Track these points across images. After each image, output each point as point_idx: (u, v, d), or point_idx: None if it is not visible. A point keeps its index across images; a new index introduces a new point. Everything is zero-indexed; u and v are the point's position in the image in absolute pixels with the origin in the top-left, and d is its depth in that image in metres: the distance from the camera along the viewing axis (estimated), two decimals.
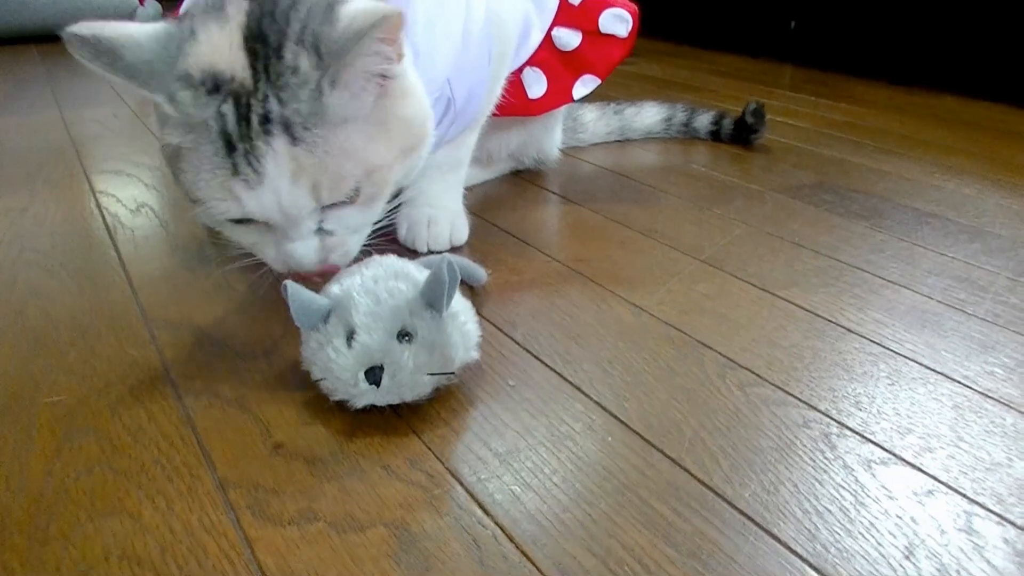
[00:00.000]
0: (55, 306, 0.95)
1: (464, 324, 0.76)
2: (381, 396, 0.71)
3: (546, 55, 1.22)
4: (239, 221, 0.76)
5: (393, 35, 0.71)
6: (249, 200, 0.72)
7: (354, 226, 0.80)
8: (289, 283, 0.72)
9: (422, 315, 0.72)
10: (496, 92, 1.12)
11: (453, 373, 0.74)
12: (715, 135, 1.58)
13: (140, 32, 0.72)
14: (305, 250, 0.77)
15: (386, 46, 0.72)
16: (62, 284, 1.00)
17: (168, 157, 0.77)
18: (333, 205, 0.76)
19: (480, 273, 0.95)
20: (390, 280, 0.74)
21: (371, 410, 0.73)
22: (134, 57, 0.70)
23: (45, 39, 2.94)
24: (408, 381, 0.70)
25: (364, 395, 0.71)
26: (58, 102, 2.03)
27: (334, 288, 0.75)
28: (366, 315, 0.71)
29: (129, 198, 1.31)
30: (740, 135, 1.56)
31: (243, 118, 0.70)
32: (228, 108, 0.70)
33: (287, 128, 0.70)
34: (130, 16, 3.07)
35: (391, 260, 0.78)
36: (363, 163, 0.74)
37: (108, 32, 0.70)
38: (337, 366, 0.71)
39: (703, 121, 1.58)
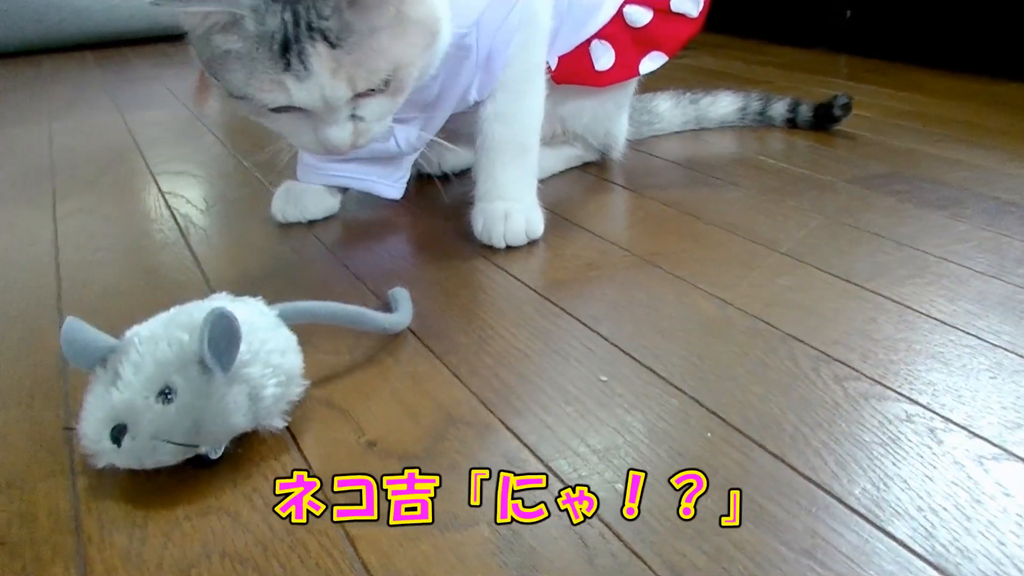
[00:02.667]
0: (133, 305, 0.95)
1: (260, 387, 0.66)
2: (121, 458, 0.63)
3: (615, 30, 1.22)
4: (279, 111, 0.86)
5: None
6: (297, 91, 0.82)
7: (381, 113, 0.90)
8: (69, 319, 0.68)
9: (189, 372, 0.64)
10: (540, 58, 1.10)
11: (196, 446, 0.64)
12: (791, 122, 1.56)
13: None
14: (340, 133, 0.87)
15: None
16: (138, 283, 1.01)
17: (213, 60, 0.85)
18: (365, 95, 0.86)
19: (385, 321, 0.85)
20: (179, 329, 0.67)
21: (462, 406, 0.72)
22: None
23: (100, 46, 2.97)
24: (144, 447, 0.62)
25: (105, 454, 0.63)
26: (117, 106, 2.05)
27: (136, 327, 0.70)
28: (132, 365, 0.65)
29: (198, 198, 1.31)
30: (820, 122, 1.53)
31: (298, 24, 0.80)
32: (288, 16, 0.80)
33: (324, 36, 0.81)
34: None
35: (214, 302, 0.72)
36: (391, 60, 0.85)
37: None
38: (85, 417, 0.65)
39: (779, 109, 1.56)
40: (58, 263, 1.08)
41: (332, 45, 0.81)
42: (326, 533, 0.59)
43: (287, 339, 0.72)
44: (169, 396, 0.63)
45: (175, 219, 1.22)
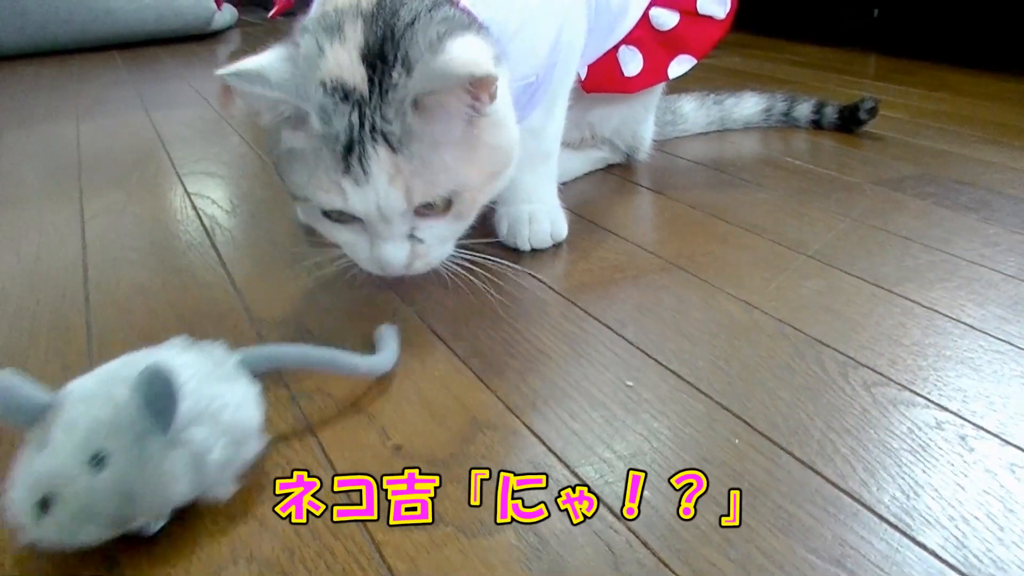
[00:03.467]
0: (161, 304, 0.96)
1: (205, 451, 0.60)
2: (45, 532, 0.56)
3: (642, 34, 1.21)
4: (339, 220, 0.83)
5: (480, 90, 0.77)
6: (353, 195, 0.78)
7: (442, 237, 0.85)
8: (2, 374, 0.59)
9: (124, 436, 0.57)
10: (572, 74, 1.10)
11: (130, 520, 0.58)
12: (816, 123, 1.55)
13: (272, 57, 0.79)
14: (395, 251, 0.82)
15: (472, 96, 0.78)
16: (166, 283, 1.01)
17: (280, 159, 0.84)
18: (426, 216, 0.82)
19: (364, 365, 0.78)
20: (118, 385, 0.60)
21: (488, 410, 0.72)
22: (279, 76, 0.77)
23: (127, 46, 3.00)
24: (71, 521, 0.56)
25: (31, 527, 0.56)
26: (144, 105, 2.06)
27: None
28: (64, 426, 0.58)
29: (223, 199, 1.32)
30: (845, 124, 1.52)
31: (362, 127, 0.77)
32: (355, 118, 0.77)
33: (387, 139, 0.77)
34: (208, 21, 3.12)
35: (165, 350, 0.66)
36: (453, 180, 0.80)
37: (251, 65, 0.78)
38: (11, 484, 0.57)
39: (803, 110, 1.55)
40: (86, 262, 1.09)
41: (393, 150, 0.77)
42: (352, 538, 0.59)
43: (244, 392, 0.65)
44: (101, 463, 0.56)
45: (201, 220, 1.22)
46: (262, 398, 0.67)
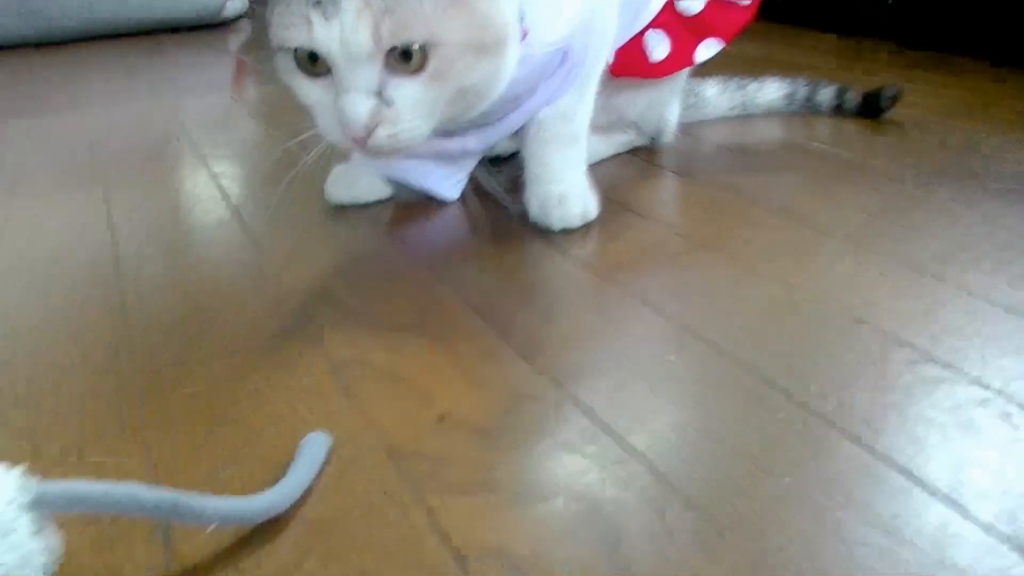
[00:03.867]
0: (193, 285, 0.96)
1: None
2: None
3: (669, 18, 1.20)
4: (310, 75, 0.82)
5: None
6: (319, 28, 0.77)
7: (413, 102, 0.81)
8: None
9: None
10: (604, 55, 1.10)
11: None
12: (838, 109, 1.55)
13: None
14: (356, 104, 0.79)
15: None
16: (197, 264, 1.01)
17: (269, 4, 0.82)
18: (398, 73, 0.79)
19: (229, 510, 0.56)
20: None
21: (532, 382, 0.72)
22: None
23: (141, 35, 2.99)
24: None
25: None
26: (159, 93, 2.06)
27: None
28: None
29: (248, 179, 1.32)
30: (867, 110, 1.52)
31: None
32: None
33: None
34: (219, 10, 3.12)
35: None
36: (427, 27, 0.78)
37: None
38: None
39: (826, 96, 1.54)
40: (114, 246, 1.08)
41: None
42: (403, 503, 0.59)
43: (18, 553, 0.48)
44: None
45: (227, 201, 1.22)
46: (54, 549, 0.51)
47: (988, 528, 0.56)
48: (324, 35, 0.77)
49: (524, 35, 0.89)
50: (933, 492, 0.59)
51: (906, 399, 0.70)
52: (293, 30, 0.79)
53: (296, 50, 0.81)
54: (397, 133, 0.82)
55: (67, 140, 1.66)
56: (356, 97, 0.79)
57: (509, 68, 0.87)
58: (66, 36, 2.92)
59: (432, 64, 0.79)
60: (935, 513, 0.57)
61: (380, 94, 0.80)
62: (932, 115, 1.58)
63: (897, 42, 2.39)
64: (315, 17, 0.77)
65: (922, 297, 0.87)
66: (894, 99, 1.49)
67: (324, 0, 0.76)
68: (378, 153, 0.84)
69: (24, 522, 0.49)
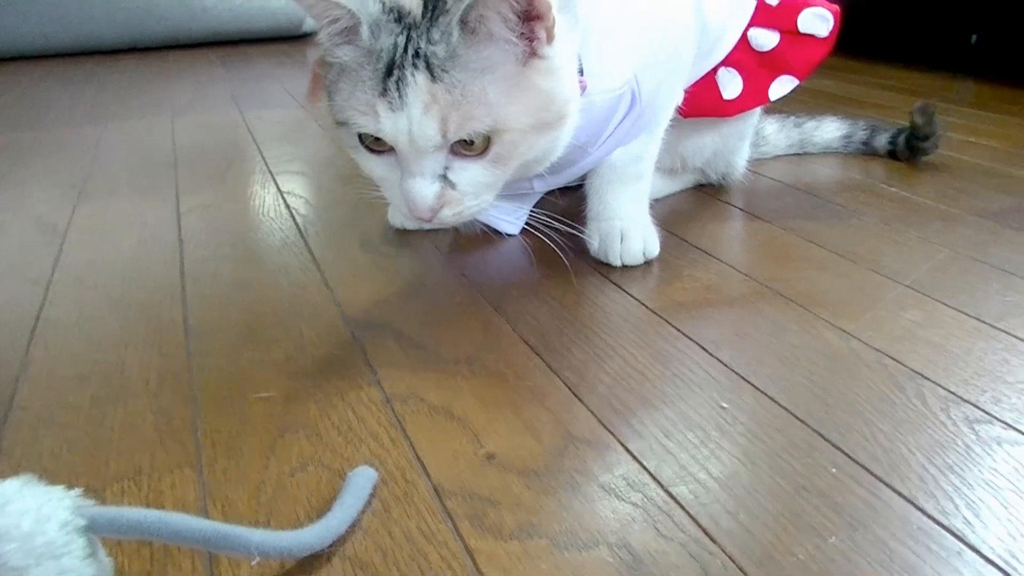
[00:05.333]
0: (256, 301, 0.97)
1: None
2: None
3: (741, 55, 1.19)
4: (374, 151, 0.83)
5: (535, 20, 0.77)
6: (386, 119, 0.78)
7: (476, 184, 0.83)
8: None
9: None
10: (676, 95, 1.09)
11: None
12: (892, 154, 1.52)
13: None
14: (422, 189, 0.81)
15: (524, 22, 0.77)
16: (260, 281, 1.03)
17: (330, 74, 0.84)
18: (462, 156, 0.80)
19: (273, 545, 0.56)
20: None
21: (581, 424, 0.72)
22: None
23: (222, 44, 3.07)
24: None
25: None
26: (237, 103, 2.11)
27: None
28: None
29: (315, 198, 1.34)
30: (912, 150, 1.49)
31: (406, 50, 0.77)
32: (401, 40, 0.77)
33: (428, 65, 0.76)
34: (300, 23, 3.18)
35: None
36: (493, 115, 0.78)
37: None
38: None
39: (882, 140, 1.52)
40: (182, 256, 1.11)
41: (433, 77, 0.76)
42: (446, 544, 0.59)
43: (66, 573, 0.49)
44: None
45: (294, 219, 1.24)
46: (105, 573, 0.54)
47: None
48: (391, 126, 0.78)
49: (583, 88, 0.88)
50: (988, 560, 0.58)
51: (964, 460, 0.68)
52: (358, 116, 0.79)
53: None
54: (462, 211, 0.84)
55: (151, 145, 1.71)
56: (421, 182, 0.81)
57: (570, 133, 0.87)
58: (154, 43, 3.01)
59: (495, 148, 0.80)
60: None
61: (444, 176, 0.81)
62: (1012, 156, 1.54)
63: (979, 78, 2.34)
64: (381, 108, 0.78)
65: (988, 352, 0.84)
66: (922, 143, 1.46)
67: (390, 91, 0.77)
68: (442, 225, 0.85)
69: (78, 545, 0.50)
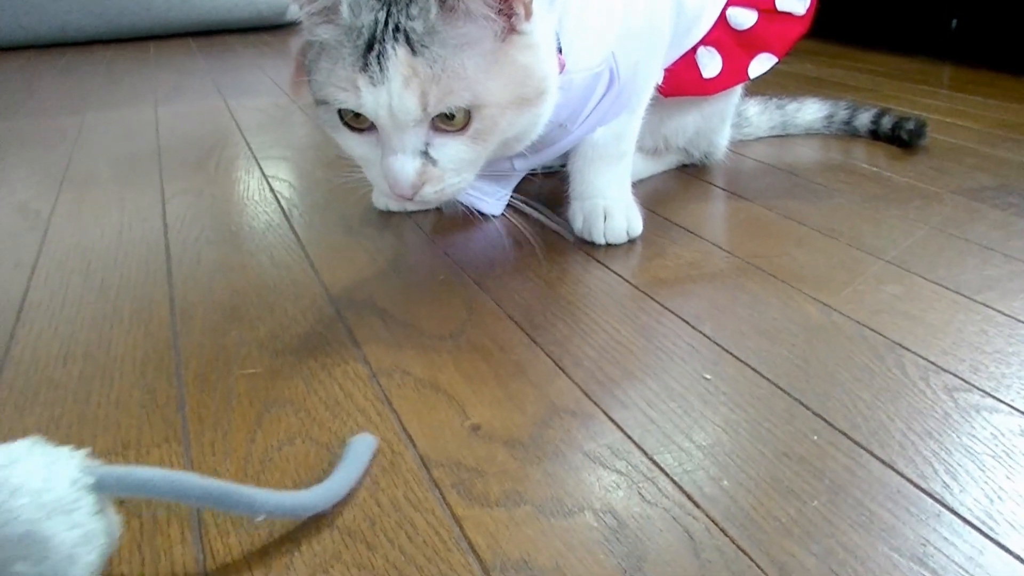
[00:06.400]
0: (241, 282, 0.98)
1: None
2: None
3: (720, 34, 1.19)
4: (355, 129, 0.83)
5: None
6: (367, 95, 0.78)
7: (457, 161, 0.82)
8: None
9: None
10: (655, 73, 1.10)
11: None
12: (874, 133, 1.53)
13: None
14: (404, 165, 0.80)
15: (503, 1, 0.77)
16: (245, 262, 1.03)
17: (310, 54, 0.84)
18: (443, 131, 0.80)
19: (275, 503, 0.57)
20: None
21: (566, 396, 0.73)
22: None
23: (203, 34, 3.06)
24: None
25: None
26: (220, 92, 2.10)
27: None
28: None
29: (299, 182, 1.34)
30: (896, 139, 1.50)
31: (386, 25, 0.77)
32: (381, 15, 0.77)
33: (408, 40, 0.76)
34: (282, 12, 3.17)
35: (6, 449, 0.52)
36: (472, 90, 0.78)
37: None
38: None
39: (863, 120, 1.53)
40: (167, 239, 1.11)
41: (413, 52, 0.76)
42: (433, 512, 0.60)
43: (80, 533, 0.51)
44: None
45: (278, 202, 1.24)
46: (114, 530, 0.55)
47: (1020, 558, 0.55)
48: (372, 101, 0.78)
49: (562, 67, 0.89)
50: (966, 520, 0.59)
51: (943, 426, 0.69)
52: (339, 92, 0.79)
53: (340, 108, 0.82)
54: (443, 188, 0.84)
55: (134, 134, 1.71)
56: (402, 159, 0.81)
57: (549, 110, 0.87)
58: (134, 33, 3.00)
59: (475, 124, 0.81)
60: (966, 542, 0.57)
61: (425, 153, 0.81)
62: (990, 137, 1.56)
63: (958, 63, 2.35)
64: (362, 83, 0.78)
65: (967, 324, 0.85)
66: (915, 133, 1.47)
67: (371, 66, 0.77)
68: (424, 205, 0.85)
69: (87, 502, 0.52)
